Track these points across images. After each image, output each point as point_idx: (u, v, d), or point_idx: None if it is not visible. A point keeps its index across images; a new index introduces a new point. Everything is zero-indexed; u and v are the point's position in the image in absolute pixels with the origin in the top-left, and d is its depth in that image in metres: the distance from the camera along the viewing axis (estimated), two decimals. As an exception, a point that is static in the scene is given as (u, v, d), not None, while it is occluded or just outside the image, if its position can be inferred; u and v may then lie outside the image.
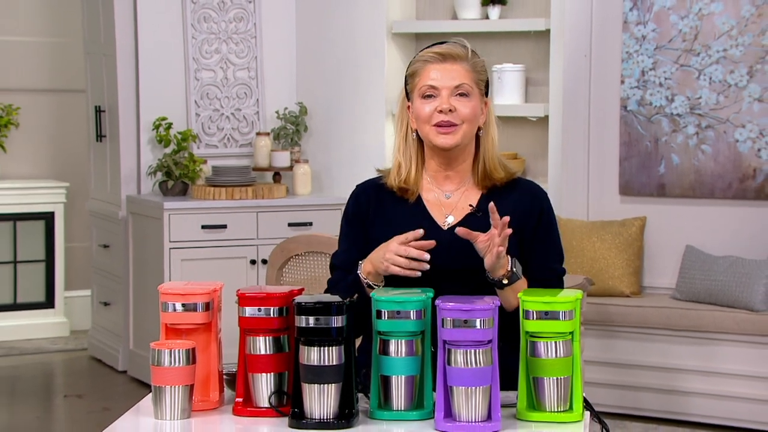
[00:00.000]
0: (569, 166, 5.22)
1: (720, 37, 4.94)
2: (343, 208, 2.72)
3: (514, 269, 2.51)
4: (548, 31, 5.26)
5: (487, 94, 2.64)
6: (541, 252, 2.62)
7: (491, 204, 2.48)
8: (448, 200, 2.65)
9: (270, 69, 5.82)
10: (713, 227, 4.99)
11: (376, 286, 2.51)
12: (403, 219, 2.62)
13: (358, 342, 2.57)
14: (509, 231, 2.46)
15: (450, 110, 2.56)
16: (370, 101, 5.59)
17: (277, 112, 5.79)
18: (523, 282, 2.54)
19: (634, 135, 5.11)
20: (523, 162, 5.43)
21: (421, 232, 2.50)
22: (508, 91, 5.36)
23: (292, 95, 5.85)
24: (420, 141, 2.65)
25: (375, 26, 5.57)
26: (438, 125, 2.57)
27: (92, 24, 5.83)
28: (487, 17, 5.44)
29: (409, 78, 2.63)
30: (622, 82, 5.11)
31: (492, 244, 2.46)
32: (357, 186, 2.71)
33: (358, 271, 2.55)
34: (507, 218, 2.46)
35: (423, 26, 5.57)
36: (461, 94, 2.58)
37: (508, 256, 2.51)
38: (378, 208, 2.65)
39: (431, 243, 2.49)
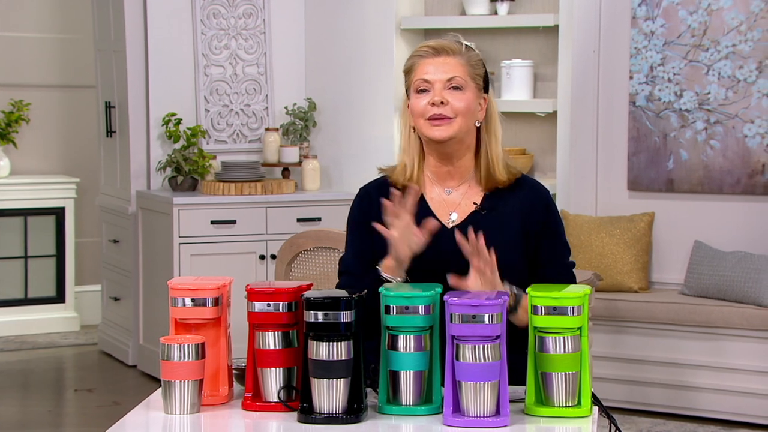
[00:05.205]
0: (578, 162, 5.23)
1: (729, 32, 4.93)
2: (349, 209, 2.72)
3: (515, 291, 2.52)
4: (557, 26, 5.26)
5: (486, 89, 2.63)
6: (551, 250, 2.63)
7: (470, 233, 2.46)
8: (451, 197, 2.64)
9: (279, 65, 5.83)
10: (722, 223, 4.99)
11: (395, 280, 2.52)
12: None
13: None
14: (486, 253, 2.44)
15: (442, 102, 2.56)
16: (379, 97, 5.60)
17: (286, 107, 5.80)
18: (526, 297, 2.55)
19: (642, 130, 5.11)
20: (531, 158, 5.44)
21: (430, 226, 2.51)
22: (517, 87, 5.36)
23: (300, 91, 5.86)
24: (421, 139, 2.64)
25: (384, 22, 5.57)
26: (431, 119, 2.57)
27: (102, 20, 5.85)
28: (495, 13, 5.44)
29: (406, 75, 2.63)
30: (631, 77, 5.11)
31: (479, 270, 2.45)
32: (360, 189, 2.71)
33: (378, 266, 2.54)
34: (481, 243, 2.43)
35: (432, 22, 5.57)
36: (455, 88, 2.57)
37: (505, 282, 2.51)
38: (381, 209, 2.65)
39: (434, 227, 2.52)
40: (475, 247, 2.44)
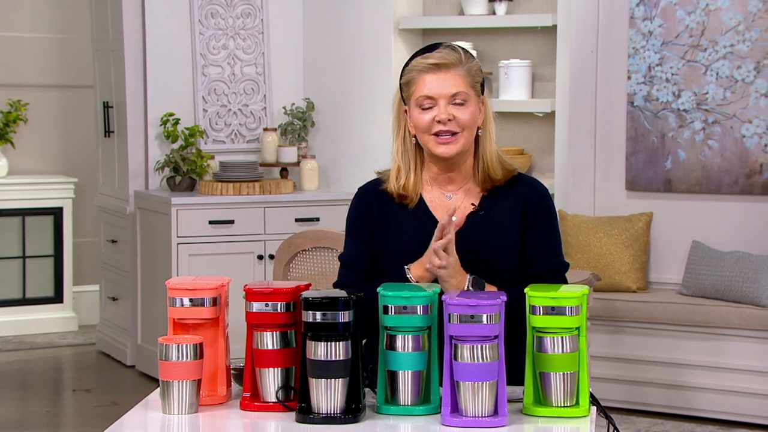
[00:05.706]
0: (576, 162, 5.23)
1: (727, 32, 4.94)
2: (348, 206, 2.72)
3: (471, 288, 2.52)
4: (555, 26, 5.26)
5: (483, 91, 2.63)
6: (542, 247, 2.62)
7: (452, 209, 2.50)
8: (450, 201, 2.64)
9: (277, 65, 5.83)
10: (720, 223, 4.99)
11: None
12: (406, 221, 2.61)
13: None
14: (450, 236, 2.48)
15: (449, 119, 2.56)
16: (377, 97, 5.60)
17: (284, 107, 5.80)
18: (488, 287, 2.55)
19: (640, 130, 5.11)
20: (529, 157, 5.44)
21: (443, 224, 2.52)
22: (515, 87, 5.36)
23: (299, 91, 5.86)
24: (419, 144, 2.64)
25: (382, 22, 5.57)
26: (437, 134, 2.57)
27: (100, 20, 5.85)
28: (493, 13, 5.44)
29: (404, 86, 2.63)
30: (629, 77, 5.11)
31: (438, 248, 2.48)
32: (359, 189, 2.71)
33: (408, 276, 2.55)
34: (455, 220, 2.49)
35: (430, 22, 5.57)
36: (458, 103, 2.57)
37: (468, 275, 2.52)
38: (381, 211, 2.64)
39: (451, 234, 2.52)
40: (446, 226, 2.48)
